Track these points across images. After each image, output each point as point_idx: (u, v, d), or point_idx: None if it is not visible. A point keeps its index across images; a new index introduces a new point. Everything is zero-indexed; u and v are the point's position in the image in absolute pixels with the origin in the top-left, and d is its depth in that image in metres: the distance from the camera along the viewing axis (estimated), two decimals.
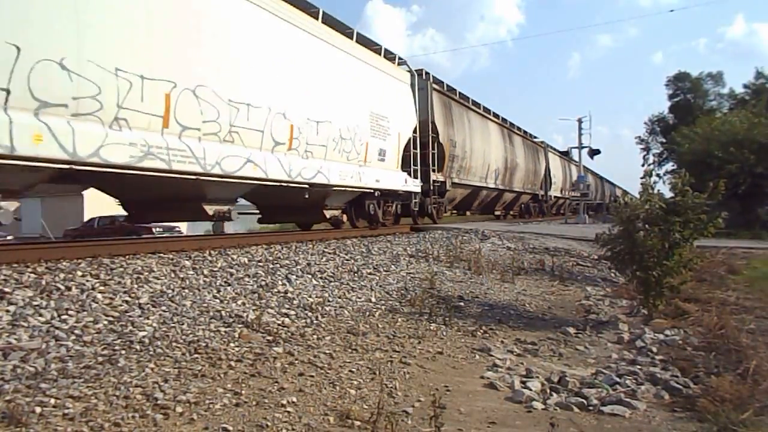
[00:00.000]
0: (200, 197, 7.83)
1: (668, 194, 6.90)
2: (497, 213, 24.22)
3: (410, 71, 14.36)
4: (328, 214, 10.96)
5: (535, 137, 28.80)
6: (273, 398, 3.24)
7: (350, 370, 3.86)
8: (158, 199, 7.94)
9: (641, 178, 6.58)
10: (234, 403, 3.10)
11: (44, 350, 3.40)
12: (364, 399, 3.42)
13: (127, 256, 5.98)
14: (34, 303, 4.06)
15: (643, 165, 54.13)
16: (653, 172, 6.80)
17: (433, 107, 15.23)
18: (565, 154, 35.05)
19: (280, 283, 5.86)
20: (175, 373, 3.38)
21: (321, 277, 6.49)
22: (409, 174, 13.45)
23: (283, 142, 8.86)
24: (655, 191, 6.35)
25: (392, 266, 7.95)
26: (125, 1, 6.32)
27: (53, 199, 26.17)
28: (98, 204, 18.59)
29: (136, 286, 4.85)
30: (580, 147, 30.18)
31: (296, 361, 3.88)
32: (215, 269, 5.91)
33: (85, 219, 26.97)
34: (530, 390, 3.82)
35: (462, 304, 6.49)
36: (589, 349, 5.18)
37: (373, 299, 6.04)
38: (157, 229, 18.64)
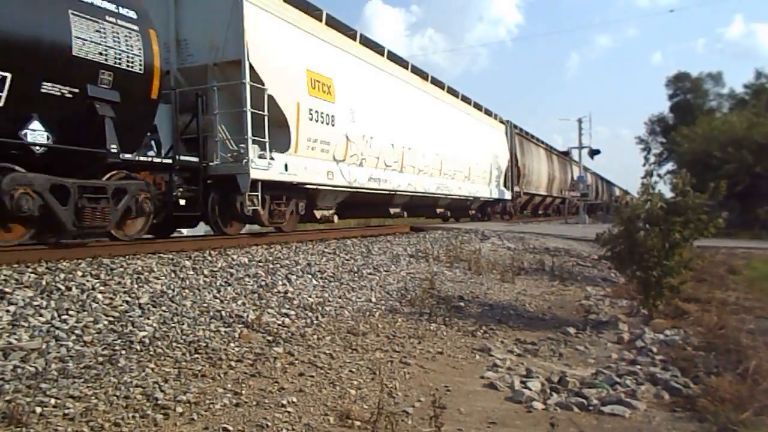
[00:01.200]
0: (388, 204, 13.78)
1: (668, 194, 6.91)
2: (540, 212, 30.66)
3: (504, 122, 23.24)
4: (442, 211, 17.51)
5: (566, 152, 34.63)
6: (273, 398, 3.24)
7: (350, 370, 3.86)
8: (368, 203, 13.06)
9: (642, 178, 6.59)
10: (234, 403, 3.10)
11: (44, 350, 3.40)
12: (364, 399, 3.42)
13: (127, 257, 5.98)
14: (35, 303, 4.06)
15: (643, 165, 54.08)
16: (654, 172, 6.80)
17: (514, 144, 23.60)
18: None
19: (280, 283, 5.86)
20: (176, 373, 3.38)
21: (321, 277, 6.49)
22: (506, 188, 22.29)
23: (441, 172, 15.88)
24: (656, 191, 6.35)
25: (392, 266, 7.95)
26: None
27: None
28: None
29: (136, 286, 4.85)
30: (580, 147, 30.20)
31: (296, 361, 3.88)
32: (215, 269, 5.91)
33: None
34: (530, 390, 3.82)
35: (462, 304, 6.49)
36: (589, 349, 5.18)
37: (373, 299, 6.04)
38: None
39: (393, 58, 13.50)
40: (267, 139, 8.32)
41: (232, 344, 4.01)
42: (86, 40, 5.89)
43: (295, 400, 3.25)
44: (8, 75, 5.28)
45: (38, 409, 2.72)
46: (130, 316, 4.15)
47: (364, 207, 13.24)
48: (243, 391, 3.26)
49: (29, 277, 4.62)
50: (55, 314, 3.94)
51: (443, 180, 15.82)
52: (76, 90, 5.87)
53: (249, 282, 5.69)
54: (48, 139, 5.74)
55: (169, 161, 7.38)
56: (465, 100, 18.66)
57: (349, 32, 11.68)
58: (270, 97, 8.46)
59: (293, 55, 9.35)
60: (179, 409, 2.93)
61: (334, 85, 10.30)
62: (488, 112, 21.11)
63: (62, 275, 4.77)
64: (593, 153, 30.48)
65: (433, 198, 15.71)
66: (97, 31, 6.03)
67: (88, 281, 4.71)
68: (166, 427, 2.76)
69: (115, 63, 6.21)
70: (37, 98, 5.59)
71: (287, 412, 3.10)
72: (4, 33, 5.23)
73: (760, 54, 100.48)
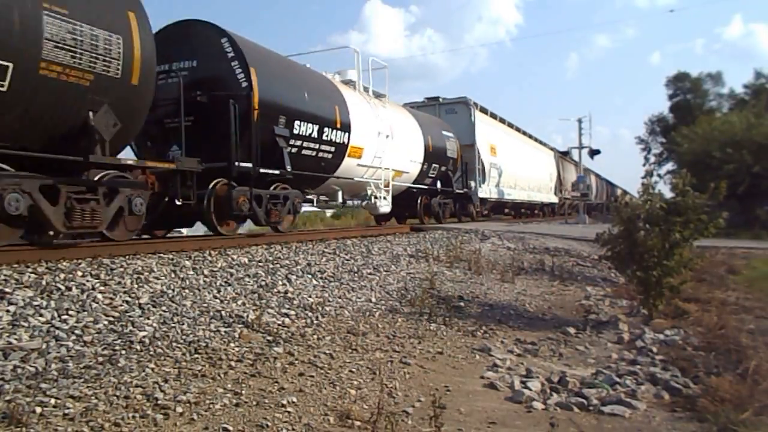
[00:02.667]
0: (506, 206, 24.94)
1: (668, 194, 6.91)
2: (561, 212, 35.18)
3: (553, 149, 33.37)
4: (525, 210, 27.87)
5: (566, 152, 37.60)
6: (273, 398, 3.24)
7: (350, 370, 3.86)
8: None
9: (642, 177, 6.59)
10: (234, 403, 3.10)
11: (44, 350, 3.40)
12: (364, 399, 3.42)
13: (127, 256, 5.98)
14: (35, 303, 4.06)
15: (643, 165, 54.06)
16: (654, 172, 6.80)
17: (559, 164, 33.25)
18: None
19: (280, 283, 5.86)
20: (176, 373, 3.38)
21: (321, 277, 6.49)
22: (555, 195, 31.83)
23: (529, 187, 26.23)
24: (656, 191, 6.36)
25: (392, 266, 7.95)
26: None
27: None
28: None
29: (136, 286, 4.85)
30: (580, 147, 30.22)
31: (296, 361, 3.88)
32: (215, 269, 5.91)
33: None
34: (530, 390, 3.82)
35: (462, 304, 6.49)
36: (589, 349, 5.18)
37: (373, 299, 6.04)
38: None
39: (510, 124, 25.17)
40: (479, 177, 18.99)
41: (232, 344, 4.01)
42: None
43: (295, 400, 3.25)
44: None
45: (38, 409, 2.72)
46: (130, 316, 4.15)
47: (500, 208, 24.09)
48: (243, 391, 3.26)
49: (29, 277, 4.62)
50: (55, 314, 3.94)
51: (530, 192, 26.50)
52: None
53: (249, 282, 5.69)
54: None
55: None
56: (536, 139, 30.31)
57: (498, 118, 23.27)
58: (480, 159, 19.15)
59: (486, 135, 20.40)
60: (179, 409, 2.93)
61: (497, 148, 21.35)
62: (543, 143, 31.90)
63: (62, 275, 4.77)
64: (593, 153, 30.52)
65: (528, 203, 26.93)
66: None
67: (88, 281, 4.71)
68: (166, 427, 2.76)
69: None
70: None
71: (287, 412, 3.10)
72: None
73: (758, 55, 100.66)
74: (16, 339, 3.49)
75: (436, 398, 3.26)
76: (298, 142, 9.60)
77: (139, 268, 5.37)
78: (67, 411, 2.74)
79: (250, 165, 8.30)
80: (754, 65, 76.86)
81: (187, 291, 5.00)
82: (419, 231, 13.22)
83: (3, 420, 2.60)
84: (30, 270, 4.85)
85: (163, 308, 4.45)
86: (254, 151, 8.31)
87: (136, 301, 4.49)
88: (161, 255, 6.25)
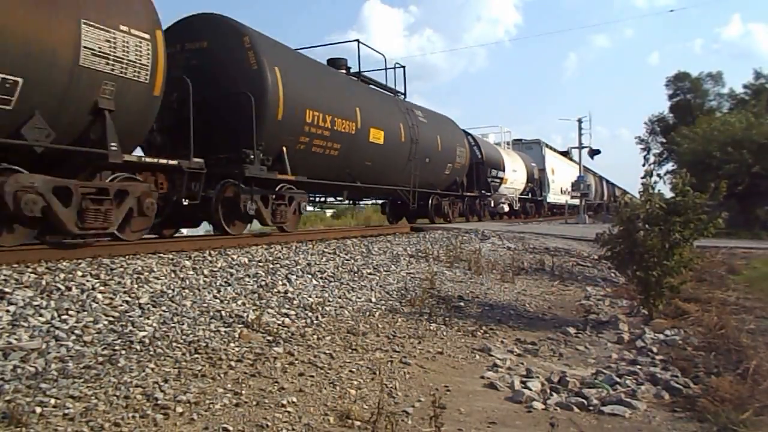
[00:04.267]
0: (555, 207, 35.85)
1: (668, 194, 6.90)
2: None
3: (577, 161, 36.10)
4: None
5: (566, 152, 40.98)
6: (273, 398, 3.24)
7: (350, 370, 3.85)
8: None
9: (641, 177, 6.59)
10: (234, 403, 3.10)
11: (44, 350, 3.40)
12: (364, 399, 3.42)
13: (127, 256, 5.98)
14: (35, 303, 4.06)
15: (643, 165, 54.10)
16: (653, 172, 6.79)
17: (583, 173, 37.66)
18: (566, 154, 36.90)
19: (280, 283, 5.86)
20: (176, 373, 3.38)
21: (321, 277, 6.49)
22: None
23: (562, 191, 34.73)
24: (656, 191, 6.35)
25: (392, 266, 7.95)
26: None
27: None
28: None
29: (136, 286, 4.85)
30: (580, 147, 30.21)
31: (296, 361, 3.88)
32: (215, 269, 5.91)
33: None
34: (530, 390, 3.82)
35: (462, 304, 6.49)
36: (589, 349, 5.18)
37: (373, 299, 6.04)
38: None
39: (558, 150, 37.84)
40: (547, 190, 31.56)
41: (232, 344, 4.00)
42: None
43: (295, 400, 3.25)
44: None
45: (38, 409, 2.71)
46: (130, 316, 4.15)
47: (552, 208, 34.68)
48: (243, 391, 3.26)
49: (29, 277, 4.62)
50: (55, 314, 3.94)
51: (564, 196, 33.86)
52: None
53: (249, 282, 5.69)
54: None
55: None
56: (570, 157, 36.15)
57: (551, 147, 35.32)
58: (547, 178, 31.47)
59: (550, 162, 32.40)
60: (179, 409, 2.93)
61: (555, 169, 33.34)
62: (571, 158, 36.40)
63: (62, 275, 4.77)
64: (593, 153, 30.49)
65: (562, 204, 34.01)
66: None
67: (88, 281, 4.71)
68: (166, 427, 2.76)
69: None
70: None
71: (287, 412, 3.10)
72: None
73: (757, 55, 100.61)
74: (16, 339, 3.49)
75: (436, 398, 3.25)
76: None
77: (139, 268, 5.37)
78: (67, 411, 2.74)
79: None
80: (753, 65, 76.98)
81: (187, 291, 5.00)
82: (419, 231, 13.23)
83: (3, 420, 2.60)
84: (30, 270, 4.85)
85: (163, 308, 4.45)
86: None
87: (136, 301, 4.49)
88: (161, 255, 6.25)
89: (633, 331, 5.72)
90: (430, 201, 16.09)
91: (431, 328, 5.30)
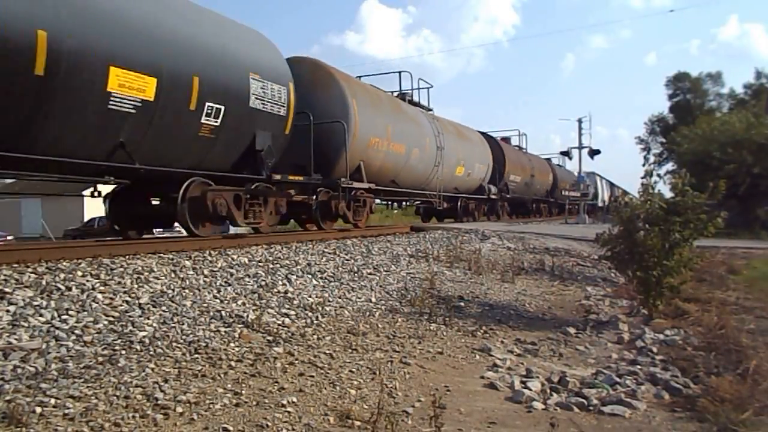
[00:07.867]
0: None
1: (668, 194, 6.90)
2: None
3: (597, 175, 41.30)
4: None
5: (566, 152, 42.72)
6: (273, 398, 3.24)
7: (350, 370, 3.86)
8: None
9: (641, 177, 6.59)
10: (234, 403, 3.10)
11: (44, 350, 3.40)
12: (364, 399, 3.42)
13: (127, 256, 5.98)
14: (35, 303, 4.06)
15: (643, 165, 54.17)
16: (653, 172, 6.79)
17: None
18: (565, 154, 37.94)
19: (280, 283, 5.86)
20: (176, 373, 3.38)
21: (321, 277, 6.49)
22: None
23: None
24: (656, 191, 6.35)
25: (392, 266, 7.95)
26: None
27: (53, 199, 26.15)
28: (98, 204, 18.55)
29: (136, 286, 4.85)
30: (580, 147, 30.19)
31: (296, 361, 3.88)
32: (215, 269, 5.91)
33: (86, 219, 26.92)
34: (530, 390, 3.82)
35: (462, 304, 6.49)
36: (589, 349, 5.18)
37: (373, 299, 6.05)
38: None
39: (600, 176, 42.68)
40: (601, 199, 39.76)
41: (232, 344, 4.01)
42: None
43: (295, 400, 3.25)
44: None
45: (38, 409, 2.72)
46: (130, 316, 4.15)
47: (599, 210, 36.06)
48: (243, 391, 3.26)
49: (29, 277, 4.62)
50: (55, 314, 3.94)
51: (599, 201, 38.41)
52: None
53: (249, 282, 5.69)
54: None
55: None
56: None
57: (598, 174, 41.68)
58: (603, 190, 43.08)
59: (599, 183, 41.35)
60: (179, 409, 2.93)
61: (603, 185, 43.81)
62: (599, 175, 41.78)
63: (62, 275, 4.77)
64: (593, 153, 30.45)
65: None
66: None
67: (88, 281, 4.71)
68: (166, 427, 2.77)
69: None
70: None
71: (287, 412, 3.10)
72: None
73: (754, 55, 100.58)
74: (16, 339, 3.49)
75: (436, 398, 3.25)
76: None
77: (139, 268, 5.37)
78: (67, 411, 2.74)
79: None
80: (750, 65, 76.99)
81: (187, 291, 5.00)
82: (419, 231, 13.22)
83: (3, 420, 2.60)
84: (30, 270, 4.85)
85: (163, 308, 4.46)
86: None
87: (136, 301, 4.49)
88: (161, 255, 6.25)
89: (633, 331, 5.72)
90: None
91: (431, 328, 5.30)
